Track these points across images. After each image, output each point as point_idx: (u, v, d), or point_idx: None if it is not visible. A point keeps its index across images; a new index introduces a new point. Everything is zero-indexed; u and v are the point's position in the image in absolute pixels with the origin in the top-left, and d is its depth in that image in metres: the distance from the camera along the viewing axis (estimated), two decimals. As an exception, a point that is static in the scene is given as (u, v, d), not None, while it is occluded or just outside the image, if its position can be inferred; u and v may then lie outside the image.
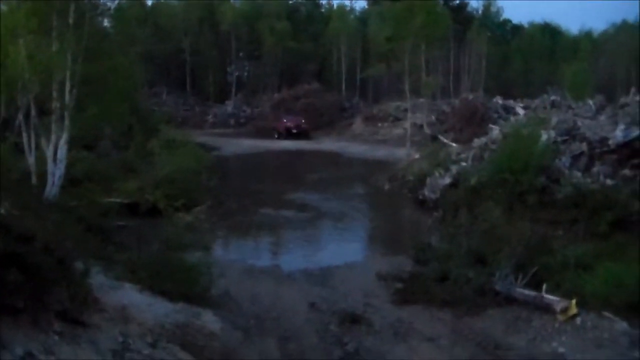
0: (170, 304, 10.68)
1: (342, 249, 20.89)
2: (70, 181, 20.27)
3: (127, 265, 12.69)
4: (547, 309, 13.04)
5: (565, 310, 12.65)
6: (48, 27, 18.95)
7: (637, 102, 30.95)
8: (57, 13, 19.21)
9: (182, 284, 12.09)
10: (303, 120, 57.08)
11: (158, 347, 8.26)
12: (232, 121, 64.68)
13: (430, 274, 15.70)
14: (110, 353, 7.38)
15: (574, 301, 12.69)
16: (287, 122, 56.72)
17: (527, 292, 13.77)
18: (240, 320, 12.31)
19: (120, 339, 7.80)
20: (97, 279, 9.58)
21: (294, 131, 55.68)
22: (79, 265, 8.88)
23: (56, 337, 7.02)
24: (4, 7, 20.34)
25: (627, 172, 20.82)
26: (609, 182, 20.50)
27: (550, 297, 13.21)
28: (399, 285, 15.64)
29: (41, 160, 19.28)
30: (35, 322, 6.98)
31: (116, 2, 22.31)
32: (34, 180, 19.06)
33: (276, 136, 56.11)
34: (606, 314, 12.32)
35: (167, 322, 9.55)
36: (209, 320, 10.72)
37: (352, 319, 13.20)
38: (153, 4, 73.79)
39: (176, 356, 8.34)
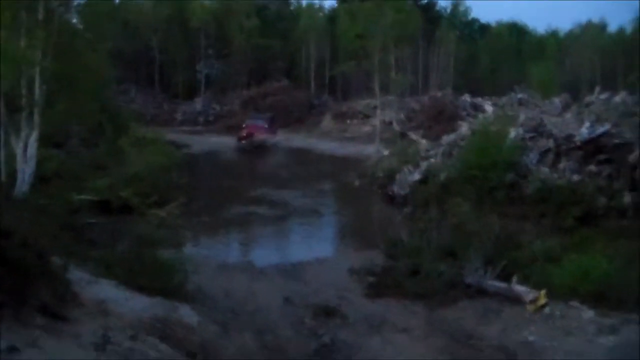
0: (147, 298, 10.74)
1: (314, 244, 21.08)
2: (40, 179, 20.10)
3: (102, 261, 12.71)
4: (517, 300, 13.36)
5: (534, 300, 12.99)
6: (17, 23, 18.84)
7: (601, 101, 31.67)
8: (26, 9, 19.10)
9: (158, 279, 12.14)
10: (265, 124, 48.24)
11: (138, 340, 8.34)
12: (201, 119, 64.32)
13: (402, 268, 15.93)
14: (92, 346, 7.44)
15: (543, 291, 13.02)
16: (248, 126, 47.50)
17: (497, 284, 14.08)
18: (217, 314, 12.40)
19: (101, 332, 7.87)
20: (74, 274, 9.61)
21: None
22: (57, 260, 8.94)
23: (38, 331, 7.06)
24: None
25: (592, 167, 21.29)
26: (575, 177, 20.96)
27: (520, 288, 13.53)
28: (372, 279, 15.86)
29: (10, 157, 19.10)
30: (17, 316, 7.02)
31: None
32: (2, 177, 18.91)
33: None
34: (573, 303, 12.69)
35: (145, 315, 9.63)
36: (186, 314, 10.82)
37: (327, 312, 13.37)
38: (121, 1, 73.22)
39: (157, 348, 8.43)
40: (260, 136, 47.16)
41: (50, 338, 7.06)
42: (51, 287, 7.92)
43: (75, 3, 22.01)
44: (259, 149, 46.04)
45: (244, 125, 48.20)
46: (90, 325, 8.10)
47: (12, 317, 6.92)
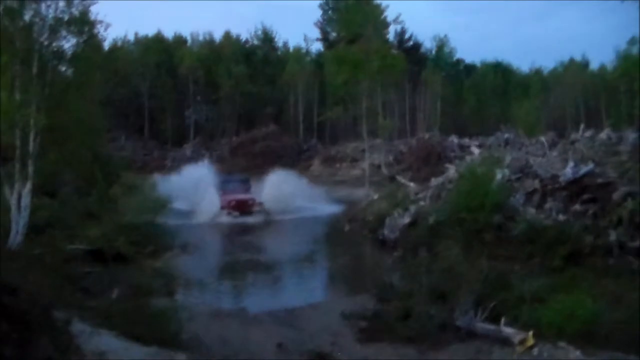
0: (144, 348, 10.96)
1: (306, 290, 21.23)
2: (34, 228, 20.18)
3: (101, 312, 12.93)
4: (506, 341, 13.60)
5: (523, 341, 13.23)
6: (12, 77, 19.19)
7: (586, 139, 32.40)
8: (20, 63, 19.45)
9: (154, 328, 12.37)
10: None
11: (138, 390, 8.58)
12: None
13: (393, 312, 16.11)
14: (95, 397, 7.69)
15: (531, 333, 13.28)
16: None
17: (487, 326, 14.33)
18: (213, 362, 12.61)
19: (103, 383, 8.12)
20: (76, 326, 9.85)
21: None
22: (59, 314, 9.19)
23: (42, 384, 7.30)
24: None
25: (577, 207, 21.64)
26: (561, 217, 21.32)
27: (508, 329, 13.79)
28: (364, 323, 16.02)
29: (3, 208, 19.26)
30: (22, 369, 7.26)
31: (79, 48, 22.27)
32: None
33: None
34: (561, 343, 12.94)
35: (144, 365, 9.89)
36: (183, 363, 11.04)
37: (320, 358, 13.54)
38: (110, 49, 73.84)
39: (157, 398, 8.67)
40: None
41: (54, 391, 7.30)
42: (54, 341, 8.15)
43: (68, 54, 22.28)
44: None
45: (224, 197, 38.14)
46: (92, 377, 8.34)
47: (17, 371, 7.15)
